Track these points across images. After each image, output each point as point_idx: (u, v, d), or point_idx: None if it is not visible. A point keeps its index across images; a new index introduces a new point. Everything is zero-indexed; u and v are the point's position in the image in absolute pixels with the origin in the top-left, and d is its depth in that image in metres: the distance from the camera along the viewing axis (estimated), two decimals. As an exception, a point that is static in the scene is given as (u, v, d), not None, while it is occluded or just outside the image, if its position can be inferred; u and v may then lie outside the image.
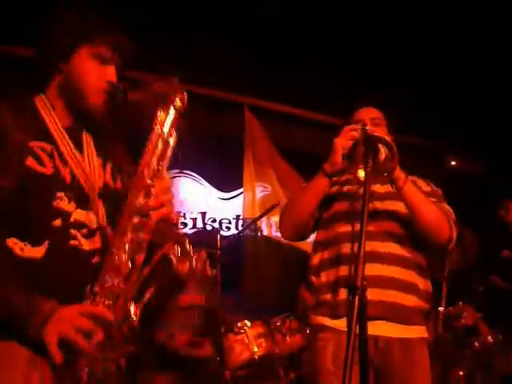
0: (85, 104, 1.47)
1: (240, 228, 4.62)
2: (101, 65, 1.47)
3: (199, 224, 4.40)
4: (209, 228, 4.40)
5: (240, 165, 4.55)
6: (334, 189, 2.24)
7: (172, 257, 1.37)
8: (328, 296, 2.09)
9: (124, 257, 1.33)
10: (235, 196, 4.72)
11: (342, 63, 4.33)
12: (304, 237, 2.34)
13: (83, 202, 1.43)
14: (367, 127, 1.66)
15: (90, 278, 1.34)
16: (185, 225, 4.45)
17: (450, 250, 2.18)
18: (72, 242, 1.37)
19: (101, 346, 1.26)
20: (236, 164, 4.55)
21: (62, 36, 1.45)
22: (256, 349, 2.85)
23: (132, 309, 1.30)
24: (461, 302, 3.70)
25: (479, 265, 4.19)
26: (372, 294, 2.00)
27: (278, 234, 4.06)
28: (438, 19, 4.07)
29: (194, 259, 1.40)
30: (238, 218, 4.66)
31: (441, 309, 3.20)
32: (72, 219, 1.39)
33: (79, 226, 1.40)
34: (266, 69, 4.25)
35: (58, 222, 1.36)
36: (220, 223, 4.61)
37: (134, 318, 1.29)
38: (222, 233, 4.44)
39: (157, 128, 1.42)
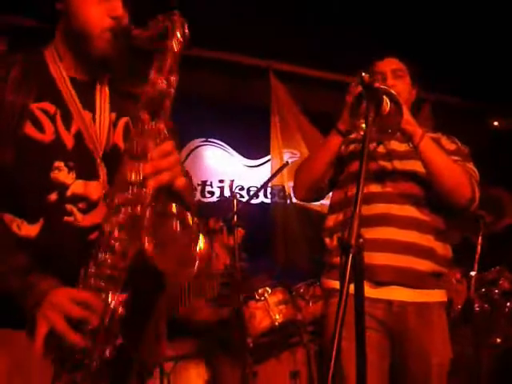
0: (89, 48, 1.32)
1: (268, 196, 4.56)
2: (102, 0, 1.30)
3: (227, 192, 4.37)
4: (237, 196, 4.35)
5: (267, 131, 4.47)
6: (352, 147, 2.16)
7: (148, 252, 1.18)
8: (339, 259, 2.03)
9: (118, 235, 1.19)
10: (263, 163, 4.66)
11: (372, 21, 4.17)
12: (318, 197, 2.29)
13: (86, 170, 1.30)
14: (364, 74, 1.56)
15: (86, 256, 1.22)
16: (212, 193, 4.44)
17: (471, 211, 2.07)
18: (66, 218, 1.27)
19: (93, 335, 1.16)
20: (263, 131, 4.47)
21: None
22: (277, 316, 2.83)
23: (115, 298, 1.17)
24: (498, 267, 3.58)
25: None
26: (386, 259, 1.97)
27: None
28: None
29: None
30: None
31: (472, 273, 3.07)
32: (69, 192, 1.27)
33: (77, 199, 1.28)
34: (289, 31, 4.14)
35: (53, 197, 1.26)
36: (248, 191, 4.56)
37: (119, 309, 1.17)
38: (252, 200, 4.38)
39: (152, 77, 1.23)
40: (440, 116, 5.27)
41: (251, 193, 4.51)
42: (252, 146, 4.61)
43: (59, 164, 1.27)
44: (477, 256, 3.18)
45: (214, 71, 4.38)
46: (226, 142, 4.58)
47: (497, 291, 3.40)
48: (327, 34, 4.19)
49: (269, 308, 2.83)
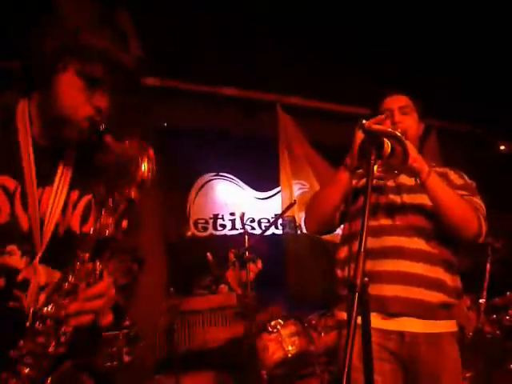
0: (64, 130, 1.26)
1: (279, 227, 4.63)
2: (88, 88, 1.23)
3: (238, 225, 4.44)
4: (248, 228, 4.42)
5: (276, 164, 4.56)
6: (363, 181, 2.20)
7: None
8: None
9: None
10: (273, 195, 4.75)
11: (378, 52, 4.26)
12: (330, 230, 2.31)
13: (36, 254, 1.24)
14: (364, 121, 1.62)
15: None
16: (224, 226, 4.51)
17: (478, 244, 2.10)
18: (12, 303, 1.20)
19: None
20: (272, 163, 4.56)
21: (51, 42, 1.22)
22: (290, 347, 2.87)
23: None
24: (508, 293, 3.59)
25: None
26: (397, 291, 2.01)
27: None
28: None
29: None
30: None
31: (481, 301, 3.10)
32: (20, 277, 1.21)
33: (27, 285, 1.22)
34: (296, 65, 4.24)
35: (0, 282, 1.20)
36: (259, 223, 4.64)
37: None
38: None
39: (102, 219, 1.20)
40: (446, 142, 5.34)
41: (262, 225, 4.59)
42: (262, 179, 4.69)
43: (12, 248, 1.21)
44: (486, 283, 3.21)
45: (223, 106, 4.50)
46: (236, 176, 4.68)
47: (508, 317, 3.41)
48: (334, 67, 4.30)
49: (282, 340, 2.87)
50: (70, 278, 1.18)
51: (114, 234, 1.20)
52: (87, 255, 1.19)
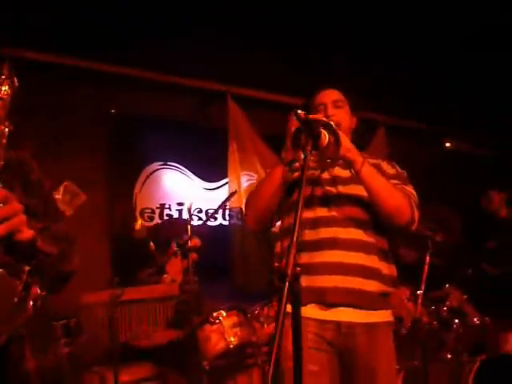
0: None
1: (227, 218, 4.62)
2: None
3: (185, 215, 4.40)
4: (195, 218, 4.40)
5: (225, 154, 4.55)
6: (296, 175, 2.19)
7: None
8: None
9: None
10: (221, 186, 4.72)
11: (328, 47, 4.30)
12: (269, 225, 2.31)
13: None
14: (299, 111, 1.63)
15: None
16: (170, 216, 4.47)
17: (412, 231, 2.15)
18: None
19: None
20: (221, 154, 4.54)
21: None
22: (232, 338, 2.87)
23: None
24: (447, 285, 3.71)
25: (467, 247, 4.20)
26: (335, 281, 2.03)
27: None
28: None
29: None
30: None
31: (419, 292, 3.19)
32: None
33: None
34: (246, 56, 4.24)
35: None
36: (206, 213, 4.62)
37: None
38: (208, 223, 4.45)
39: None
40: (393, 138, 5.46)
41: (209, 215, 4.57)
42: (210, 169, 4.65)
43: None
44: (424, 275, 3.30)
45: (172, 95, 4.44)
46: (184, 166, 4.61)
47: (445, 308, 3.52)
48: (284, 58, 4.32)
49: (224, 331, 2.87)
50: None
51: None
52: None
